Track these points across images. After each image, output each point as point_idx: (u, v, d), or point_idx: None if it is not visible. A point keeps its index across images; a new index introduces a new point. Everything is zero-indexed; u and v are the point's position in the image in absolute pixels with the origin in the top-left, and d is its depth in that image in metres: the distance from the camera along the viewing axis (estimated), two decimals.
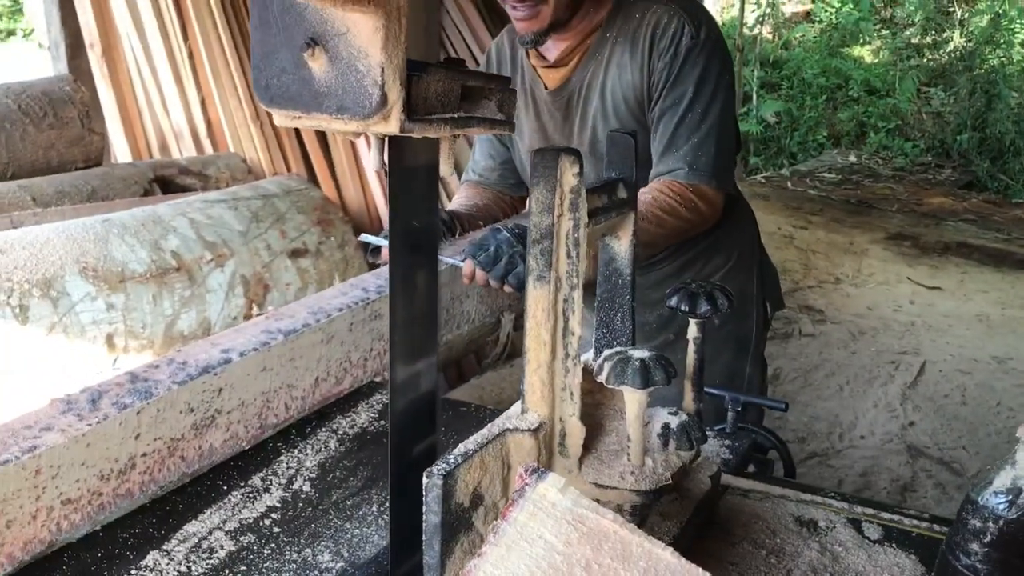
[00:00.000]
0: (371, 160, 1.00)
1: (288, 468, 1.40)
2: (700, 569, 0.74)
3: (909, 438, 4.06)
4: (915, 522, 1.29)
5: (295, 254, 2.81)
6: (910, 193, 8.87)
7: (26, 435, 1.11)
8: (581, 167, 1.04)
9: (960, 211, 8.26)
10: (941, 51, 11.19)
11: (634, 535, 0.75)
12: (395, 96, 0.83)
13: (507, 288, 1.64)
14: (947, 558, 1.05)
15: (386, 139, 0.94)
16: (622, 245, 1.24)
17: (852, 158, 10.18)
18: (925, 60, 11.27)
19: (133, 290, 2.35)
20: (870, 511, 1.30)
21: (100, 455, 1.18)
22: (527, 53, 2.06)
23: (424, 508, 0.96)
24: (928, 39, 11.38)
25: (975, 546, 1.00)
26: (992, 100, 9.77)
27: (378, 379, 1.74)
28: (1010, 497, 0.99)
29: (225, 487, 1.34)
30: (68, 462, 1.13)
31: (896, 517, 1.29)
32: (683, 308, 1.24)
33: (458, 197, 2.28)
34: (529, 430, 1.08)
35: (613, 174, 1.23)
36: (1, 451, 1.07)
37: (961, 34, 11.00)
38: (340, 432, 1.52)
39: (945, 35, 11.20)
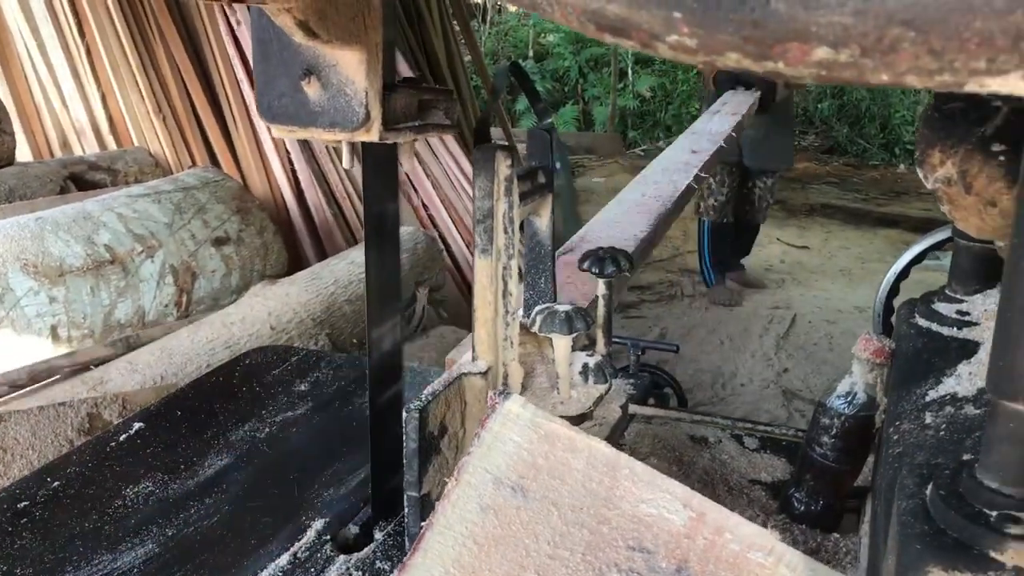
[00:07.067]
0: (345, 160, 1.23)
1: None
2: (624, 455, 1.02)
3: (784, 383, 4.50)
4: (783, 431, 1.61)
5: (218, 242, 2.98)
6: None
7: None
8: (514, 160, 1.29)
9: (823, 175, 8.89)
10: None
11: (578, 434, 1.02)
12: (376, 113, 1.07)
13: None
14: (806, 451, 1.36)
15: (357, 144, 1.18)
16: (543, 221, 1.51)
17: None
18: None
19: (72, 283, 2.49)
20: (748, 426, 1.62)
21: None
22: None
23: (404, 436, 1.21)
24: None
25: (825, 438, 1.32)
26: None
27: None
28: (849, 399, 1.31)
29: None
30: None
31: (769, 429, 1.61)
32: (593, 270, 1.51)
33: None
34: (480, 373, 1.34)
35: (533, 163, 1.49)
36: None
37: None
38: None
39: None
